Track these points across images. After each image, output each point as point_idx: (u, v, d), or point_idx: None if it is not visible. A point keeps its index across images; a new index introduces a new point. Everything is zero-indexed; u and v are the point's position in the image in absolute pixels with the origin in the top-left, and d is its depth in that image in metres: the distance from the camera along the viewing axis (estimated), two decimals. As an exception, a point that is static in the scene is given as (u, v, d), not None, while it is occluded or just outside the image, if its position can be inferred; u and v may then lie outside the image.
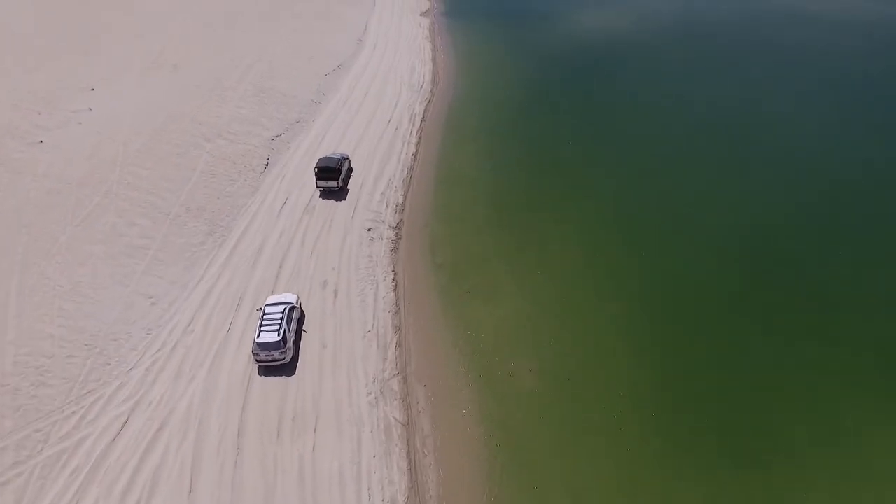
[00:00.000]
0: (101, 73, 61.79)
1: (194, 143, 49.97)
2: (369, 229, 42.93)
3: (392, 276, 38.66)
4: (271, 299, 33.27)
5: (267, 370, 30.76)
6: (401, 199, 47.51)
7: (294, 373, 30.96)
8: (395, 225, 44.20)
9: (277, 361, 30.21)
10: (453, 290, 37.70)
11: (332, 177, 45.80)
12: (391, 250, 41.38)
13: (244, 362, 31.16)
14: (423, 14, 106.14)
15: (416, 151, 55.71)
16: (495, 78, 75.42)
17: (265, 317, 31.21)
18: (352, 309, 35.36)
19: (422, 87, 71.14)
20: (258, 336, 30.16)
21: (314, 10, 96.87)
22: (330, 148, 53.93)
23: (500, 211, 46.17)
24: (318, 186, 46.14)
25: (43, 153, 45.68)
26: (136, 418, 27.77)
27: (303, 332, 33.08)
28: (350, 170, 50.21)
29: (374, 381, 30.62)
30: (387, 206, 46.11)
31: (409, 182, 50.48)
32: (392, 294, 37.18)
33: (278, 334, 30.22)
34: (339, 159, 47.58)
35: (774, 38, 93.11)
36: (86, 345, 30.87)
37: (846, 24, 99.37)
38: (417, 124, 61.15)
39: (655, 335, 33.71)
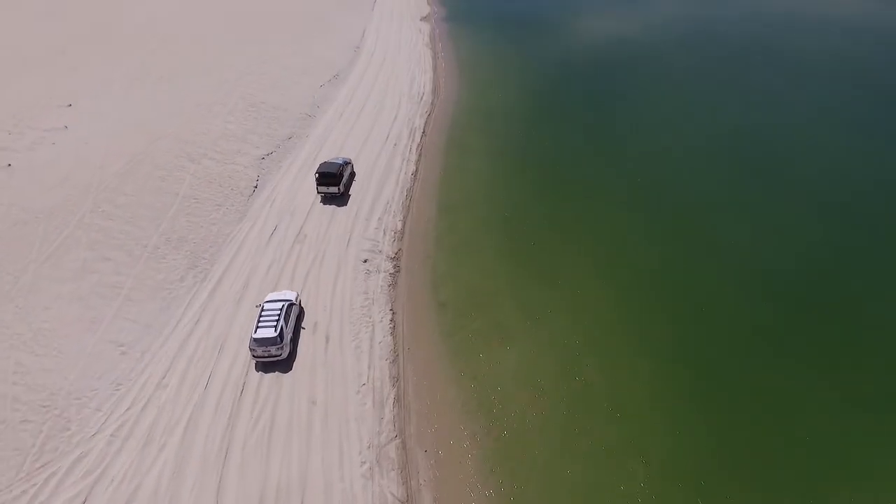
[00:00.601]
0: (80, 87, 58.32)
1: (178, 165, 46.44)
2: (365, 261, 39.40)
3: (390, 317, 35.12)
4: (271, 296, 33.39)
5: (264, 365, 30.77)
6: (399, 226, 43.99)
7: (290, 369, 30.73)
8: (393, 255, 40.67)
9: (274, 357, 30.36)
10: (458, 334, 34.14)
11: (333, 182, 44.62)
12: (389, 285, 37.83)
13: (223, 425, 27.63)
14: (424, 19, 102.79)
15: (416, 170, 52.19)
16: (499, 87, 71.96)
17: (263, 313, 31.42)
18: (345, 357, 31.81)
19: (422, 97, 67.66)
20: (255, 332, 30.26)
21: (309, 17, 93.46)
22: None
23: (507, 238, 42.65)
24: (318, 192, 45.10)
25: (10, 178, 42.16)
26: (95, 499, 24.19)
27: (301, 329, 33.18)
28: (352, 175, 48.84)
29: (369, 446, 27.08)
30: (384, 234, 42.57)
31: (409, 205, 46.95)
32: (389, 338, 33.64)
33: (275, 330, 30.23)
34: (341, 165, 46.20)
35: (791, 45, 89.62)
36: (43, 406, 27.34)
37: (867, 32, 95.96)
38: (417, 140, 57.66)
39: (694, 396, 30.06)
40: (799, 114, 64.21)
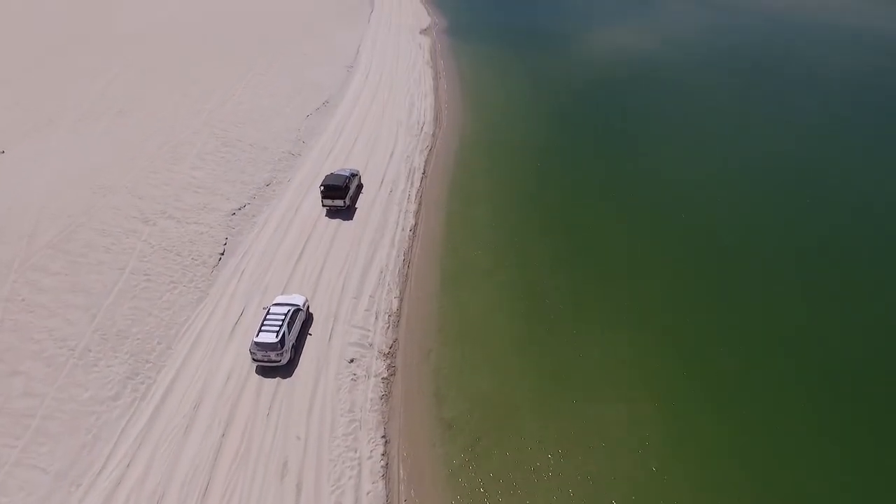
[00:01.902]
0: (17, 127, 50.34)
1: (129, 229, 38.57)
2: (352, 361, 31.50)
3: (381, 450, 27.21)
4: (278, 299, 33.10)
5: (265, 369, 29.99)
6: (395, 305, 36.08)
7: (290, 375, 29.60)
8: (387, 351, 32.75)
9: (274, 363, 30.06)
10: (470, 475, 26.27)
11: (339, 196, 42.86)
12: (381, 397, 29.94)
13: None
14: (424, 32, 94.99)
15: (416, 225, 44.28)
16: (506, 113, 64.21)
17: (268, 316, 30.98)
18: (321, 520, 23.94)
19: (422, 128, 59.76)
20: (257, 335, 29.98)
21: (298, 31, 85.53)
22: (307, 224, 42.57)
23: (526, 324, 34.77)
24: (323, 205, 43.40)
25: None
26: None
27: (308, 335, 32.38)
28: (360, 187, 47.04)
29: None
30: (376, 319, 34.66)
31: (407, 275, 39.05)
32: (381, 484, 25.76)
33: (276, 335, 29.91)
34: (347, 177, 44.17)
35: (812, 56, 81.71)
36: None
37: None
38: (417, 183, 49.76)
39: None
40: (846, 142, 56.41)
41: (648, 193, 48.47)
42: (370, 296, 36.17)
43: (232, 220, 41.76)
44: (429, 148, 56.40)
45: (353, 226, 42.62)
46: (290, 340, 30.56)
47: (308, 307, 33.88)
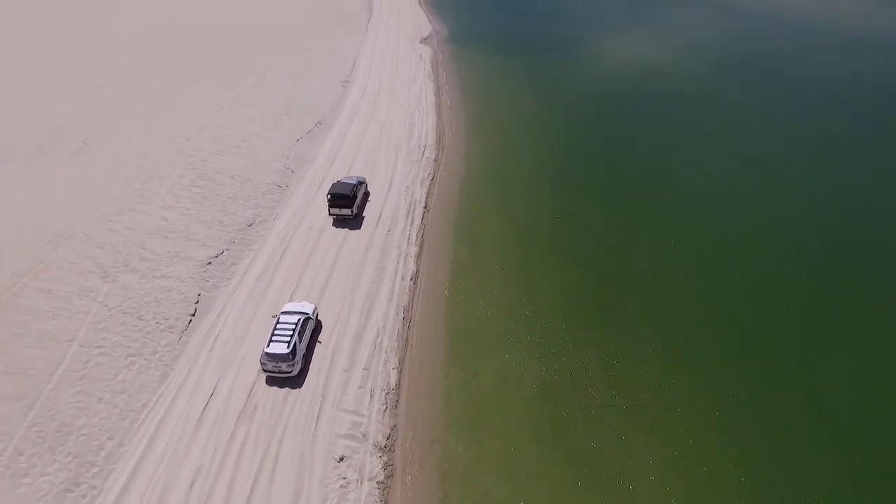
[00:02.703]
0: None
1: (83, 286, 33.26)
2: (341, 459, 26.19)
3: (377, 590, 21.87)
4: (288, 307, 32.23)
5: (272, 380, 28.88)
6: (394, 379, 30.77)
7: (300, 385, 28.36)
8: (384, 443, 27.43)
9: (285, 374, 29.21)
10: None
11: (346, 204, 41.57)
12: (376, 508, 24.61)
13: None
14: (424, 41, 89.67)
15: (417, 273, 38.93)
16: (516, 136, 58.96)
17: (278, 326, 30.22)
18: None
19: (423, 153, 54.43)
20: (268, 345, 29.25)
21: (290, 43, 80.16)
22: (293, 272, 37.25)
23: (547, 400, 29.50)
24: (330, 214, 42.14)
25: None
26: None
27: (317, 343, 31.63)
28: (367, 194, 45.66)
29: None
30: (371, 398, 29.38)
31: (408, 338, 33.72)
32: None
33: (288, 346, 29.19)
34: (354, 185, 42.91)
35: (832, 67, 76.27)
36: None
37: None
38: (418, 220, 44.43)
39: None
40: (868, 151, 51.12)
41: (677, 229, 43.15)
42: (364, 368, 30.84)
43: (207, 271, 36.41)
44: (431, 177, 51.04)
45: (347, 276, 37.25)
46: (301, 350, 29.89)
47: (317, 315, 33.06)
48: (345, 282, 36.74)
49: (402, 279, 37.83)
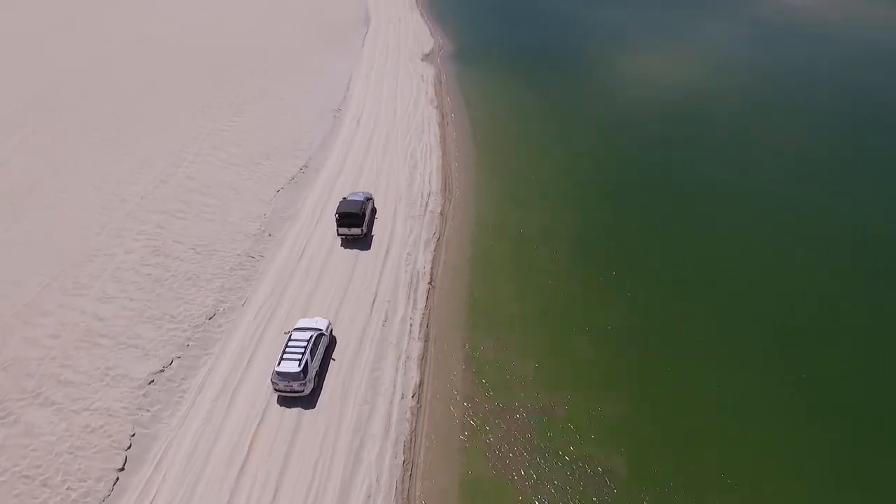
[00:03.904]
0: None
1: (-29, 434, 24.80)
2: None
3: None
4: (301, 323, 31.07)
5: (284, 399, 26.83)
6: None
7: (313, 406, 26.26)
8: None
9: (297, 393, 27.84)
10: None
11: (356, 223, 39.38)
12: None
13: None
14: (427, 58, 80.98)
15: (422, 383, 30.45)
16: (535, 177, 50.72)
17: (290, 343, 28.96)
18: None
19: (427, 204, 45.96)
20: (278, 364, 27.89)
21: (277, 65, 71.49)
22: (258, 394, 28.77)
23: None
24: (339, 234, 39.89)
25: None
26: None
27: (332, 360, 30.19)
28: (374, 211, 43.53)
29: None
30: None
31: (409, 497, 25.19)
32: None
33: (299, 364, 27.80)
34: (362, 202, 40.61)
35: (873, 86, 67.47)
36: None
37: None
38: (422, 301, 35.97)
39: None
40: None
41: (737, 311, 34.61)
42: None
43: (148, 394, 27.97)
44: (436, 237, 42.49)
45: (331, 388, 28.75)
46: (314, 368, 28.66)
47: (331, 330, 31.82)
48: (328, 410, 28.26)
49: (403, 397, 29.38)
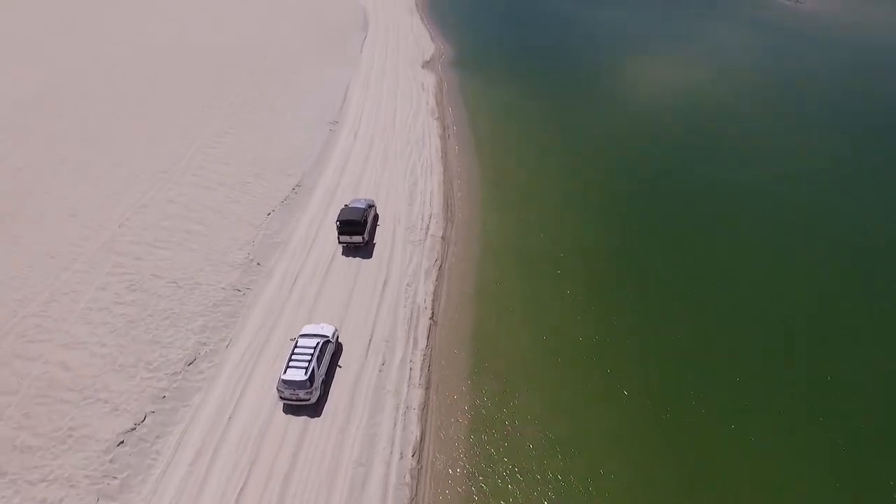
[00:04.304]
0: None
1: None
2: None
3: None
4: (307, 329, 30.46)
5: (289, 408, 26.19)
6: None
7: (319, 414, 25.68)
8: None
9: (302, 401, 27.24)
10: None
11: (358, 231, 38.39)
12: None
13: None
14: (427, 65, 78.04)
15: (422, 441, 27.41)
16: (542, 198, 47.60)
17: (296, 350, 28.47)
18: None
19: (428, 227, 43.00)
20: (284, 372, 27.39)
21: (268, 74, 68.40)
22: (242, 459, 25.71)
23: None
24: (340, 242, 39.01)
25: None
26: None
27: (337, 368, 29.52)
28: (376, 217, 42.57)
29: None
30: None
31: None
32: None
33: (306, 372, 27.29)
34: (364, 209, 39.64)
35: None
36: None
37: None
38: (423, 343, 32.91)
39: None
40: None
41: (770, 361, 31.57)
42: None
43: (115, 458, 24.94)
44: (438, 265, 39.45)
45: (318, 465, 25.69)
46: (320, 376, 28.13)
47: (337, 337, 31.21)
48: (321, 464, 25.22)
49: (402, 456, 26.36)
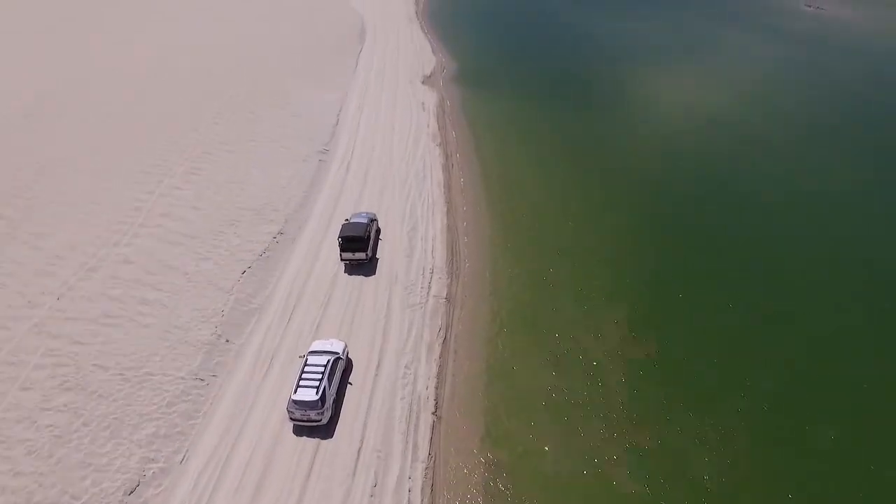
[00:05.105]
0: None
1: None
2: None
3: None
4: (316, 345, 29.31)
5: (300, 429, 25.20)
6: None
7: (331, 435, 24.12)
8: None
9: (314, 422, 26.26)
10: None
11: (360, 248, 36.44)
12: None
13: None
14: (428, 80, 71.78)
15: None
16: (563, 242, 41.25)
17: (306, 368, 27.59)
18: None
19: (430, 286, 36.86)
20: (295, 392, 26.51)
21: (256, 93, 62.03)
22: None
23: None
24: (342, 259, 36.91)
25: None
26: None
27: (348, 385, 28.60)
28: (378, 231, 40.28)
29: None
30: None
31: None
32: None
33: (317, 392, 26.47)
34: (367, 224, 37.78)
35: None
36: None
37: None
38: (425, 448, 26.81)
39: None
40: None
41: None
42: None
43: None
44: (442, 336, 33.20)
45: None
46: (331, 396, 27.00)
47: (347, 353, 30.07)
48: None
49: None
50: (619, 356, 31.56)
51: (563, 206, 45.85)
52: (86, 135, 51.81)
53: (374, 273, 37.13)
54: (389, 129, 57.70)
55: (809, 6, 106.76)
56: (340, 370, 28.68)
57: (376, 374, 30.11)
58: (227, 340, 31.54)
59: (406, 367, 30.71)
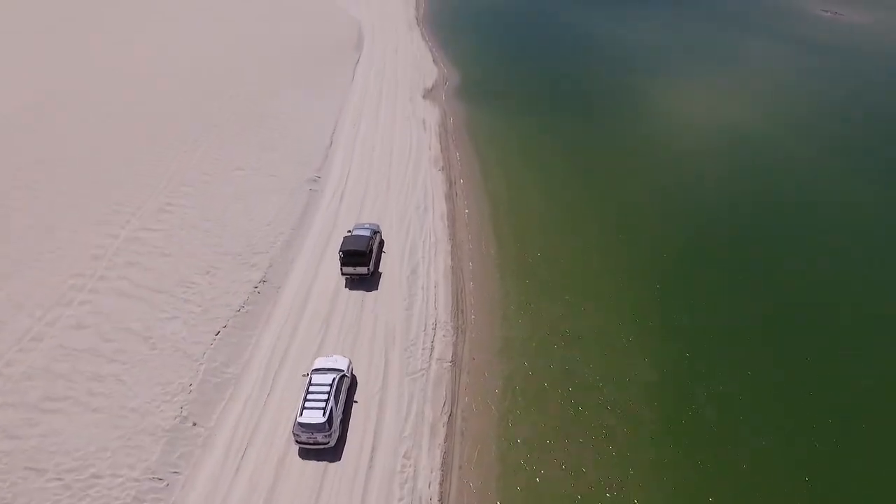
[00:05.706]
0: None
1: None
2: None
3: None
4: (319, 363, 28.28)
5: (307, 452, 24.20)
6: None
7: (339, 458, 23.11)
8: None
9: (321, 445, 25.17)
10: None
11: (362, 262, 35.09)
12: None
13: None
14: (429, 94, 67.03)
15: None
16: (584, 282, 36.37)
17: (311, 388, 26.37)
18: None
19: (432, 345, 32.11)
20: (300, 414, 25.38)
21: (240, 115, 57.00)
22: None
23: None
24: (343, 274, 35.58)
25: None
26: None
27: (354, 404, 27.36)
28: (381, 244, 38.87)
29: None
30: None
31: None
32: None
33: (324, 414, 25.39)
34: (369, 237, 36.32)
35: None
36: None
37: None
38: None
39: None
40: None
41: None
42: None
43: None
44: (447, 413, 28.33)
45: None
46: (338, 417, 25.78)
47: (352, 370, 28.86)
48: None
49: None
50: (638, 413, 26.64)
51: (578, 239, 41.02)
52: (54, 162, 47.02)
53: (377, 288, 35.50)
54: (388, 151, 52.88)
55: (826, 11, 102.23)
56: (346, 389, 27.55)
57: (368, 473, 25.20)
58: (195, 424, 26.71)
59: (405, 457, 25.92)
